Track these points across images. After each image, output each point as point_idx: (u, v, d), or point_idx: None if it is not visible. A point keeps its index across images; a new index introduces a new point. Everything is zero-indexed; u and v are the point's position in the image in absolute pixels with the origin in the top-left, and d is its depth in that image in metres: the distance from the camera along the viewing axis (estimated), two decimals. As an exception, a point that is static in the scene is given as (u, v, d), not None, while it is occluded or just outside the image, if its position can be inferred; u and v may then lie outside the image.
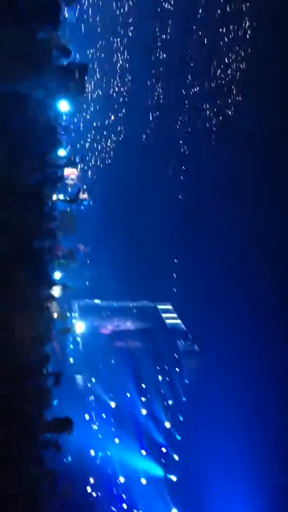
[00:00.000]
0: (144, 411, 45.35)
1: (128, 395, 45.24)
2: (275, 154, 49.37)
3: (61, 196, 16.68)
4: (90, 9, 43.08)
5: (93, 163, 51.99)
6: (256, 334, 47.26)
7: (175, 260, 55.32)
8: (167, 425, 45.71)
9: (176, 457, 43.97)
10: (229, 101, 54.05)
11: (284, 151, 48.16)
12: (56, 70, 8.20)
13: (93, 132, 50.00)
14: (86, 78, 8.91)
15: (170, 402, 47.22)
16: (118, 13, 47.82)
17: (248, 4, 50.53)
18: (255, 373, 46.05)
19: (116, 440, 41.40)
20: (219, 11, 50.76)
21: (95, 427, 41.48)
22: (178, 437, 45.44)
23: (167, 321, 53.13)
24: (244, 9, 50.99)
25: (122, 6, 47.25)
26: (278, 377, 44.92)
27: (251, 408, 43.45)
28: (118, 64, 49.94)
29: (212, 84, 53.96)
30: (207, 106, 54.37)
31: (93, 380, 44.11)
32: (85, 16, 42.72)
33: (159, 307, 54.28)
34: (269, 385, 44.28)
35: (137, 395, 45.50)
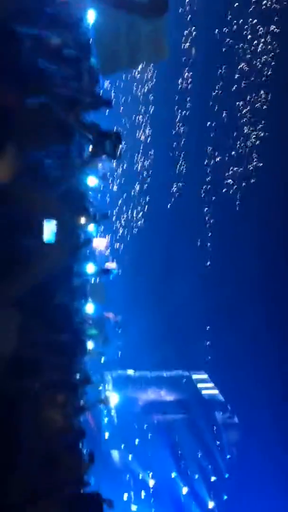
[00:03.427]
0: (185, 490, 42.86)
1: (168, 472, 43.05)
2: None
3: (91, 266, 16.75)
4: (113, 91, 45.93)
5: (120, 233, 53.16)
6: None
7: (208, 327, 54.45)
8: (211, 504, 42.94)
9: None
10: (251, 168, 55.36)
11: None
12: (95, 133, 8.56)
13: (119, 203, 51.53)
14: (120, 143, 9.28)
15: (212, 479, 44.61)
16: (139, 93, 50.82)
17: (263, 78, 53.11)
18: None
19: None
20: (235, 85, 53.42)
21: (134, 507, 39.32)
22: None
23: (203, 391, 51.25)
24: (260, 83, 53.55)
25: (143, 87, 50.35)
26: None
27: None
28: (141, 139, 52.36)
29: (233, 153, 55.64)
30: (230, 174, 55.75)
31: (130, 456, 42.37)
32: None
33: (194, 376, 52.72)
34: None
35: (177, 472, 43.27)
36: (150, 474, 42.67)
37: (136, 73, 48.98)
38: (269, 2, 49.92)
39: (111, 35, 5.48)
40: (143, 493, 41.37)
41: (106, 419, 40.48)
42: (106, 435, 40.76)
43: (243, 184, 55.71)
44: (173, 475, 43.22)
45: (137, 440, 43.39)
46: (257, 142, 55.04)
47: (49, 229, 5.26)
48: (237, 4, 49.88)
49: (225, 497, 44.47)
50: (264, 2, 49.98)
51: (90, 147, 8.21)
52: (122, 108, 47.21)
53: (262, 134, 54.75)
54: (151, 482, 42.26)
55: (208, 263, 56.55)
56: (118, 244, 51.22)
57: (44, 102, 4.67)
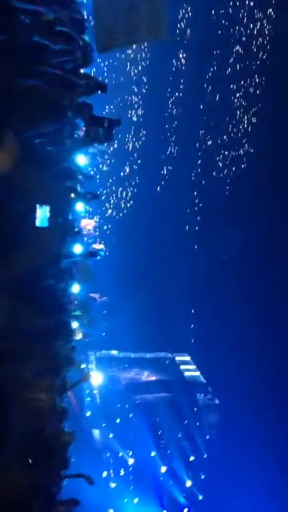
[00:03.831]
0: (164, 469, 43.58)
1: (147, 451, 43.68)
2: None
3: (78, 246, 16.56)
4: (105, 69, 45.23)
5: (109, 213, 52.93)
6: (280, 387, 45.96)
7: (193, 310, 54.83)
8: (188, 483, 43.78)
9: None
10: (242, 152, 55.29)
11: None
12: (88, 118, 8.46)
13: (108, 184, 51.19)
14: (112, 129, 9.25)
15: (191, 458, 45.40)
16: (132, 73, 50.14)
17: (258, 62, 52.71)
18: (279, 428, 44.43)
19: (135, 500, 39.67)
20: (229, 69, 52.95)
21: (112, 485, 39.91)
22: (200, 496, 43.37)
23: (186, 373, 51.85)
24: (254, 67, 53.14)
25: (136, 67, 49.67)
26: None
27: (275, 465, 41.54)
28: (133, 120, 51.83)
29: (225, 138, 55.43)
30: (221, 158, 55.63)
31: (111, 435, 42.85)
32: (100, 77, 44.77)
33: (177, 358, 53.27)
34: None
35: (156, 451, 43.92)
36: (130, 453, 43.23)
37: (130, 52, 48.21)
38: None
39: (111, 12, 5.37)
40: (122, 471, 41.95)
41: (88, 399, 40.75)
42: (88, 413, 41.08)
43: (234, 168, 55.69)
44: (153, 454, 43.83)
45: (118, 420, 43.81)
46: (249, 127, 54.87)
47: (42, 214, 5.21)
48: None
49: (203, 476, 45.32)
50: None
51: (83, 130, 8.14)
52: (114, 87, 46.55)
53: (254, 120, 54.56)
54: (131, 461, 42.84)
55: (196, 246, 56.72)
56: (106, 225, 51.00)
57: (38, 80, 4.60)
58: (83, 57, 6.99)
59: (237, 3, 50.17)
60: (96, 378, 33.24)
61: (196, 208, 56.80)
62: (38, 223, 5.16)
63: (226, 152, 55.77)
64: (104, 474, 40.01)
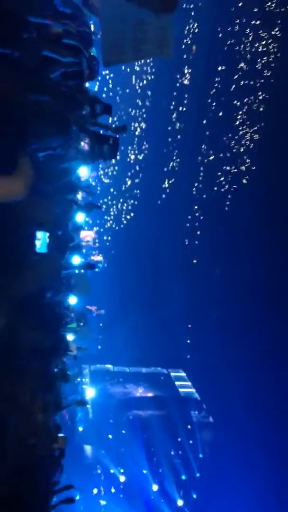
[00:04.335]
0: (155, 487, 42.84)
1: (139, 468, 42.98)
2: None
3: (76, 258, 16.35)
4: (110, 82, 45.48)
5: (108, 225, 52.88)
6: (275, 406, 45.50)
7: (189, 326, 54.52)
8: (180, 502, 43.02)
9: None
10: (244, 168, 55.44)
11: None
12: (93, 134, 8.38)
13: (109, 196, 51.21)
14: (117, 148, 9.18)
15: (183, 477, 44.67)
16: (137, 86, 50.41)
17: (262, 80, 53.05)
18: (274, 449, 43.90)
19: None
20: (233, 85, 53.28)
21: (103, 502, 39.22)
22: (192, 517, 42.67)
23: (180, 389, 51.32)
24: (258, 84, 53.48)
25: (141, 80, 49.95)
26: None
27: (270, 485, 40.95)
28: (136, 133, 52.01)
29: (227, 153, 55.62)
30: (222, 173, 55.77)
31: (103, 451, 42.21)
32: (105, 89, 45.04)
33: (172, 374, 52.79)
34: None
35: (148, 469, 43.19)
36: (122, 470, 42.59)
37: (136, 66, 48.54)
38: (273, 5, 49.79)
39: (117, 26, 5.27)
40: (113, 489, 41.26)
41: (80, 414, 40.17)
42: (80, 428, 40.51)
43: (235, 184, 55.78)
44: (144, 471, 43.14)
45: (111, 436, 43.22)
46: (252, 144, 55.07)
47: (42, 239, 5.03)
48: (241, 4, 49.63)
49: (195, 496, 44.60)
50: (268, 4, 49.83)
51: (86, 145, 7.99)
52: (119, 99, 46.79)
53: (257, 136, 54.78)
54: (122, 478, 42.16)
55: (195, 261, 56.62)
56: (105, 236, 50.89)
57: (45, 95, 4.48)
58: (89, 70, 6.88)
59: (243, 21, 50.60)
60: (90, 392, 33.01)
61: (196, 223, 56.84)
62: (37, 249, 4.97)
63: (228, 168, 55.95)
64: (95, 491, 39.39)
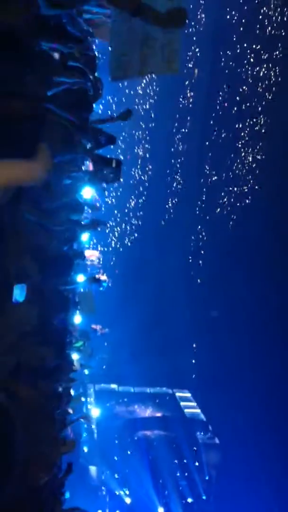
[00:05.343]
0: (161, 510, 42.13)
1: (145, 490, 42.30)
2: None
3: (81, 276, 16.47)
4: (113, 106, 46.21)
5: (113, 245, 53.17)
6: (282, 427, 44.99)
7: (194, 345, 54.28)
8: (186, 527, 42.28)
9: None
10: (246, 189, 55.88)
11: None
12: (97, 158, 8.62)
13: (113, 217, 51.56)
14: (120, 170, 9.40)
15: (189, 500, 43.90)
16: (140, 109, 51.20)
17: (263, 102, 53.83)
18: (281, 470, 43.27)
19: None
20: (235, 108, 54.09)
21: (108, 525, 38.60)
22: None
23: (186, 410, 50.82)
24: (260, 107, 54.26)
25: (144, 103, 50.79)
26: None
27: (277, 508, 40.25)
28: (139, 154, 52.70)
29: (230, 174, 56.15)
30: (225, 194, 56.21)
31: (108, 472, 41.66)
32: (109, 112, 45.78)
33: (177, 394, 52.34)
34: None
35: (154, 491, 42.53)
36: (127, 492, 41.96)
37: (139, 88, 49.42)
38: (274, 29, 50.78)
39: (125, 40, 5.49)
40: (118, 511, 40.58)
41: (85, 434, 39.74)
42: (85, 449, 40.07)
43: (238, 204, 56.18)
44: (150, 493, 42.48)
45: (115, 456, 42.71)
46: (254, 164, 55.60)
47: (19, 290, 5.18)
48: (242, 28, 50.67)
49: (201, 519, 43.84)
50: (269, 28, 50.83)
51: (90, 165, 8.22)
52: (122, 122, 47.50)
53: (259, 157, 55.36)
54: (127, 500, 41.51)
55: (199, 281, 56.69)
56: (110, 256, 51.12)
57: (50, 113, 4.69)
58: (94, 91, 7.18)
59: (244, 45, 51.59)
60: (95, 412, 32.76)
61: (200, 243, 57.09)
62: (15, 298, 5.10)
63: (230, 188, 56.43)
64: (100, 513, 38.79)
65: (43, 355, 6.97)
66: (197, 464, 45.61)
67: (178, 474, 44.48)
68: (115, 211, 52.14)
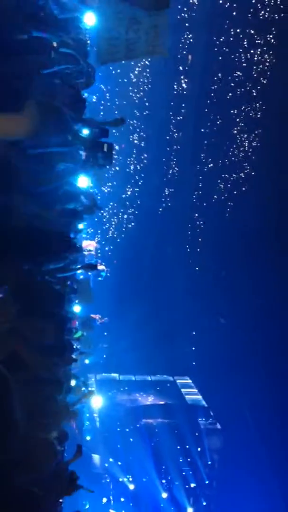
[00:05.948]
0: (164, 495, 42.65)
1: (148, 477, 42.80)
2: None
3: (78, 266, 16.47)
4: (107, 94, 45.92)
5: (110, 235, 53.09)
6: (283, 411, 45.33)
7: (194, 333, 54.49)
8: (189, 510, 42.78)
9: None
10: (243, 175, 55.74)
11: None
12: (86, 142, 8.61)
13: (110, 206, 51.43)
14: (112, 154, 9.42)
15: (192, 485, 44.43)
16: (134, 97, 50.84)
17: (259, 87, 53.50)
18: (282, 454, 43.68)
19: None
20: (230, 94, 53.73)
21: (112, 511, 39.01)
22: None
23: (187, 396, 51.20)
24: (255, 92, 53.92)
25: (138, 91, 50.39)
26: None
27: (279, 491, 40.72)
28: (135, 143, 52.42)
29: (226, 161, 55.96)
30: (221, 181, 56.08)
31: (111, 460, 42.07)
32: (102, 102, 45.44)
33: (178, 381, 52.68)
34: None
35: (157, 477, 43.03)
36: (130, 478, 42.41)
37: (133, 77, 49.03)
38: (267, 13, 50.29)
39: (112, 25, 5.46)
40: (122, 498, 41.06)
41: (87, 423, 40.05)
42: (88, 438, 40.39)
43: (234, 191, 56.04)
44: (153, 479, 42.99)
45: (118, 444, 43.08)
46: (250, 150, 55.40)
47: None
48: (235, 13, 50.15)
49: (204, 503, 44.36)
50: (262, 12, 50.33)
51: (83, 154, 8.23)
52: (116, 111, 47.19)
53: (255, 144, 55.14)
54: (131, 487, 41.99)
55: (197, 268, 56.74)
56: (107, 246, 51.06)
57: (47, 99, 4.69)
58: (86, 77, 7.15)
59: (238, 30, 51.11)
60: (96, 401, 32.92)
61: (197, 230, 57.04)
62: None
63: (227, 175, 56.26)
64: (104, 500, 39.20)
65: (43, 328, 7.01)
66: (199, 449, 46.09)
67: (180, 460, 44.98)
68: (111, 200, 52.04)
